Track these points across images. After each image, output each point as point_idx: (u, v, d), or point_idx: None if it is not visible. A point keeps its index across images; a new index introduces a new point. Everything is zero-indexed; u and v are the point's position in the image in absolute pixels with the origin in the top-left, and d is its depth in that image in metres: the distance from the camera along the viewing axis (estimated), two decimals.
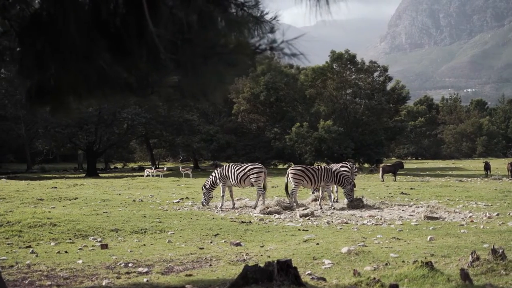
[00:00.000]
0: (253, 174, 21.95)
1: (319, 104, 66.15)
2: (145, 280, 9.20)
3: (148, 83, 5.42)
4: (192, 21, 4.63)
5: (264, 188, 22.26)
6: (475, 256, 9.31)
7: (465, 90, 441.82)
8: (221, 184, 22.21)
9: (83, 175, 58.02)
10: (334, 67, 64.66)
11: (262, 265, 8.03)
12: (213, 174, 22.71)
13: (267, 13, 6.07)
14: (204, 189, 22.31)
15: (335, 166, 25.07)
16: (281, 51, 5.32)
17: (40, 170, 67.34)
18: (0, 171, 64.41)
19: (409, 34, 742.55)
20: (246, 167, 22.42)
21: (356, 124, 63.84)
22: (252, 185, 22.53)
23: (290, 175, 22.27)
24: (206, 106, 74.18)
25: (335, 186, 23.61)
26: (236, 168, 22.34)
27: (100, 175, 57.63)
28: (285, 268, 7.87)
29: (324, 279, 8.92)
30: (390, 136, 67.64)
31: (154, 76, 5.26)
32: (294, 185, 21.97)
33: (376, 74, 66.34)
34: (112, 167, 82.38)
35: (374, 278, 8.23)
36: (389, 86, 67.52)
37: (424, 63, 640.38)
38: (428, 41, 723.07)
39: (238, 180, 22.02)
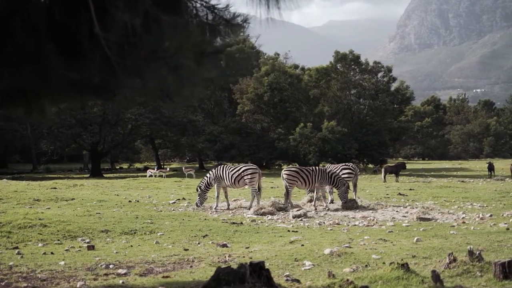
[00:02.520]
0: (247, 175, 21.97)
1: (323, 104, 66.09)
2: (120, 282, 9.22)
3: (110, 85, 5.43)
4: (135, 24, 4.63)
5: (259, 189, 22.27)
6: (452, 257, 9.29)
7: (474, 91, 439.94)
8: (215, 185, 22.23)
9: (88, 175, 58.17)
10: (338, 67, 64.67)
11: (235, 266, 8.03)
12: (208, 175, 22.75)
13: (238, 16, 6.09)
14: (199, 190, 22.32)
15: (331, 166, 25.02)
16: (228, 55, 5.33)
17: (45, 171, 67.52)
18: (6, 171, 64.72)
19: (418, 34, 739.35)
20: (241, 168, 22.47)
21: (360, 124, 63.75)
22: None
23: (284, 176, 22.25)
24: (211, 106, 74.38)
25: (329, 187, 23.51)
26: (231, 169, 22.39)
27: (105, 175, 57.77)
28: (258, 270, 7.84)
29: (298, 281, 8.91)
30: (394, 136, 67.42)
31: (109, 78, 5.27)
32: (289, 186, 21.95)
33: (380, 74, 66.23)
34: (117, 167, 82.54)
35: (347, 280, 8.22)
36: (394, 86, 67.32)
37: (433, 63, 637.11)
38: (437, 41, 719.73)
39: (233, 181, 22.05)
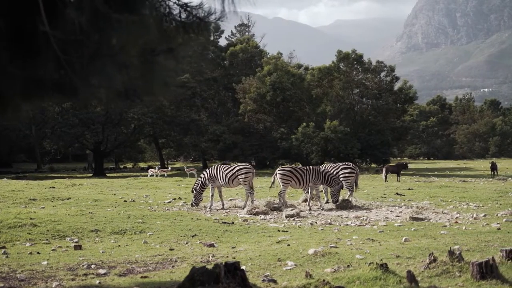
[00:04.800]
0: (241, 174, 21.92)
1: (325, 104, 65.96)
2: (97, 282, 9.18)
3: (72, 84, 5.38)
4: (82, 22, 4.58)
5: (251, 188, 22.23)
6: (432, 257, 9.23)
7: (481, 90, 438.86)
8: (210, 185, 22.20)
9: (91, 174, 58.29)
10: (341, 66, 64.48)
11: (210, 267, 7.98)
12: (202, 175, 22.72)
13: (211, 14, 6.04)
14: (194, 192, 22.28)
15: (327, 166, 24.91)
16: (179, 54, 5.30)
17: (49, 170, 67.71)
18: (11, 170, 65.10)
19: (425, 34, 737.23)
20: (235, 167, 22.43)
21: (363, 124, 63.60)
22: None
23: (278, 175, 22.18)
24: (215, 106, 74.40)
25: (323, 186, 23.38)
26: (225, 169, 22.34)
27: (108, 174, 57.86)
28: (233, 270, 7.80)
29: (274, 281, 8.86)
30: (397, 136, 67.18)
31: (67, 76, 5.22)
32: (282, 185, 21.87)
33: (383, 74, 66.00)
34: (122, 166, 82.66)
35: (324, 280, 8.17)
36: (397, 86, 67.06)
37: (441, 62, 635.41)
38: (445, 40, 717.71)
39: (227, 180, 22.01)
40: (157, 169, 51.88)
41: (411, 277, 8.02)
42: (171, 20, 5.92)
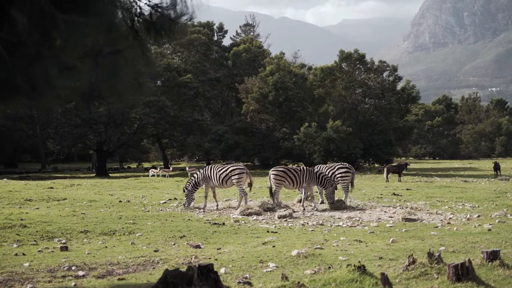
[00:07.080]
0: (234, 175, 21.88)
1: (328, 104, 65.73)
2: (73, 284, 9.14)
3: (35, 85, 5.34)
4: (24, 23, 4.53)
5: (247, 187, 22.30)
6: (411, 259, 9.16)
7: (489, 89, 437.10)
8: (204, 185, 22.16)
9: (93, 175, 58.35)
10: (343, 66, 64.21)
11: (183, 269, 7.93)
12: (196, 175, 22.70)
13: (183, 15, 6.00)
14: (185, 190, 22.24)
15: (322, 166, 24.78)
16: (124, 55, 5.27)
17: (53, 170, 67.89)
18: (15, 170, 65.37)
19: (432, 33, 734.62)
20: (228, 168, 22.41)
21: (366, 124, 63.24)
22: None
23: (271, 176, 22.07)
24: (218, 106, 74.42)
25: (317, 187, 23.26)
26: (219, 169, 22.31)
27: (111, 174, 57.89)
28: (206, 272, 7.75)
29: (250, 284, 8.83)
30: (400, 136, 66.83)
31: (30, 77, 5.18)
32: (276, 186, 21.79)
33: (385, 73, 65.69)
34: (126, 166, 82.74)
35: (298, 283, 8.13)
36: (400, 85, 66.71)
37: (448, 62, 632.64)
38: (452, 40, 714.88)
39: (220, 181, 21.99)
40: (158, 169, 51.87)
41: (385, 279, 7.95)
42: (143, 21, 5.91)
